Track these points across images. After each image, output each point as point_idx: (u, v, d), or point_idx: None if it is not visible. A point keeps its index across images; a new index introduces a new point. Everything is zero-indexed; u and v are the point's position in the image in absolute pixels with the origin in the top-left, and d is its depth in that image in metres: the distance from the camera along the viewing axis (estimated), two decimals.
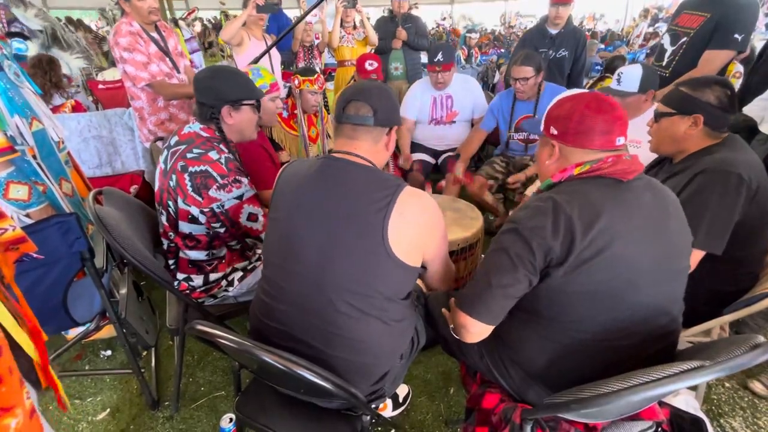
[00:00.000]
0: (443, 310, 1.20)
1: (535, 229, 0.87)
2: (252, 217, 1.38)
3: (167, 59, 2.25)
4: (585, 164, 0.92)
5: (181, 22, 5.68)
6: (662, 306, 0.92)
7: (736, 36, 2.04)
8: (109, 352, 1.89)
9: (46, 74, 2.94)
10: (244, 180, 1.36)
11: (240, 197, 1.34)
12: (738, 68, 3.07)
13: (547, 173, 1.01)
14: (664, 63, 2.34)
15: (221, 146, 1.37)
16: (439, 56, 2.53)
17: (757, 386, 1.62)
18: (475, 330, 0.97)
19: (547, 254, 0.86)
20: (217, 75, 1.40)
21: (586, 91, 1.08)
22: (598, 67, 5.57)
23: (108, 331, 1.60)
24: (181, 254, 1.43)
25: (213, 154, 1.32)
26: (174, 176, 1.32)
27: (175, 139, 1.38)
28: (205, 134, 1.37)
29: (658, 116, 1.35)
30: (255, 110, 1.46)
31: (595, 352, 0.92)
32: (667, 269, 0.92)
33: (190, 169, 1.29)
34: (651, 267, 0.88)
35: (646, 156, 1.67)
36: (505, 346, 1.04)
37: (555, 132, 0.97)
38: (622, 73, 1.81)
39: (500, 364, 1.06)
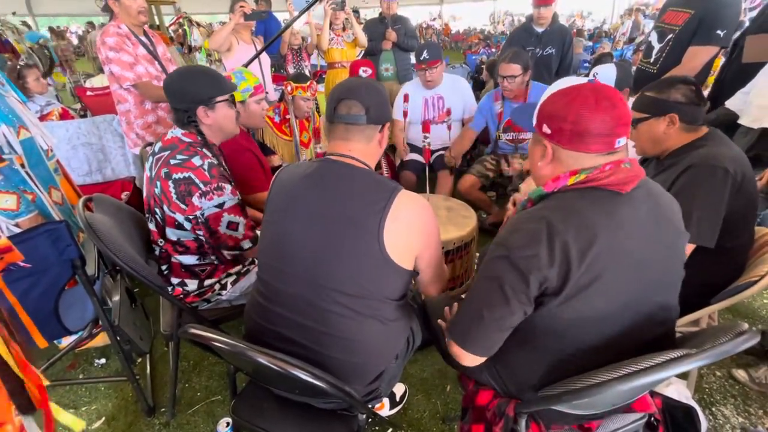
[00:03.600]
0: (439, 321, 1.15)
1: (530, 258, 0.79)
2: (232, 226, 1.35)
3: (156, 63, 2.25)
4: (580, 173, 0.83)
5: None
6: (658, 316, 0.89)
7: (719, 32, 2.08)
8: (103, 360, 1.87)
9: None
10: (227, 187, 1.34)
11: (221, 206, 1.31)
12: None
13: (539, 174, 0.93)
14: (651, 60, 2.38)
15: (204, 151, 1.34)
16: (425, 54, 2.55)
17: (739, 374, 1.65)
18: (469, 360, 0.94)
19: (543, 283, 0.80)
20: (185, 77, 1.36)
21: (583, 81, 0.94)
22: (586, 64, 5.65)
23: (102, 339, 1.59)
24: (173, 259, 1.42)
25: (196, 160, 1.30)
26: (158, 183, 1.31)
27: (159, 145, 1.37)
28: (187, 139, 1.35)
29: (635, 122, 1.37)
30: (231, 105, 1.42)
31: (592, 366, 0.88)
32: (665, 281, 0.89)
33: (174, 176, 1.28)
34: (648, 284, 0.85)
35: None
36: (501, 364, 1.01)
37: (548, 131, 0.86)
38: (597, 73, 1.85)
39: (497, 377, 1.05)
